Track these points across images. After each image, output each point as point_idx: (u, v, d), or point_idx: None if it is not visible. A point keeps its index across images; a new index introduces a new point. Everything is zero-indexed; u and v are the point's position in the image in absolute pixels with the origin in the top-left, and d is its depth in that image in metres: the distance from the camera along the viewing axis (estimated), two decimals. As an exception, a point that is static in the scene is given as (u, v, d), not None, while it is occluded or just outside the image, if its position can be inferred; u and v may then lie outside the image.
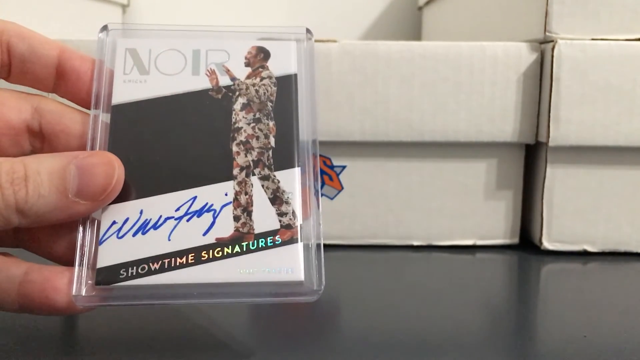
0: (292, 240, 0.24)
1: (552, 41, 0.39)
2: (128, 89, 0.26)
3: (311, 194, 0.25)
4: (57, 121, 0.25)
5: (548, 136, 0.39)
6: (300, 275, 0.24)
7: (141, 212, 0.24)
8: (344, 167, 0.41)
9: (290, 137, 0.26)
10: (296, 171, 0.25)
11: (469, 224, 0.42)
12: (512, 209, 0.42)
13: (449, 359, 0.26)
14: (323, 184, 0.41)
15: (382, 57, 0.39)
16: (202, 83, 0.27)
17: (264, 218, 0.24)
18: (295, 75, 0.27)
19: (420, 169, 0.41)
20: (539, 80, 0.40)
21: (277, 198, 0.25)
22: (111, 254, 0.23)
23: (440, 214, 0.42)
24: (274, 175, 0.25)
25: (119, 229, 0.24)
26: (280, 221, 0.24)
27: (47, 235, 0.24)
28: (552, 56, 0.38)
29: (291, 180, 0.25)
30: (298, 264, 0.24)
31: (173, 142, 0.25)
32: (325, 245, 0.41)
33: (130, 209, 0.24)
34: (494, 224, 0.42)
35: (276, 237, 0.24)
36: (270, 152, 0.26)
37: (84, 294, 0.23)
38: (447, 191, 0.42)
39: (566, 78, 0.38)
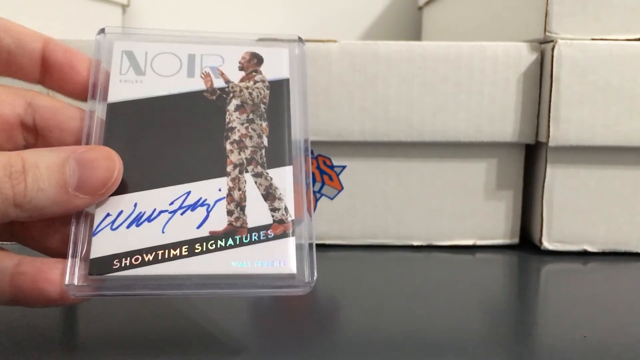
0: (284, 235, 0.24)
1: (552, 41, 0.39)
2: (124, 89, 0.26)
3: (304, 195, 0.26)
4: (51, 116, 0.25)
5: (548, 136, 0.39)
6: (293, 268, 0.24)
7: (135, 205, 0.24)
8: (344, 167, 0.41)
9: (282, 137, 0.26)
10: (288, 169, 0.26)
11: (469, 224, 0.42)
12: (512, 209, 0.42)
13: (448, 359, 0.26)
14: (323, 184, 0.41)
15: (382, 57, 0.39)
16: (196, 85, 0.27)
17: (257, 213, 0.25)
18: (288, 80, 0.28)
19: (420, 169, 0.41)
20: (539, 80, 0.40)
21: (269, 194, 0.25)
22: (105, 245, 0.23)
23: (440, 214, 0.42)
24: (267, 173, 0.26)
25: (113, 221, 0.24)
26: (272, 216, 0.25)
27: (41, 228, 0.25)
28: (552, 56, 0.38)
29: (283, 177, 0.26)
30: (290, 257, 0.24)
31: (167, 140, 0.26)
32: (325, 245, 0.42)
33: (125, 202, 0.24)
34: (494, 224, 0.42)
35: (269, 232, 0.24)
36: (263, 151, 0.26)
37: (76, 284, 0.23)
38: (447, 191, 0.42)
39: (566, 78, 0.38)
